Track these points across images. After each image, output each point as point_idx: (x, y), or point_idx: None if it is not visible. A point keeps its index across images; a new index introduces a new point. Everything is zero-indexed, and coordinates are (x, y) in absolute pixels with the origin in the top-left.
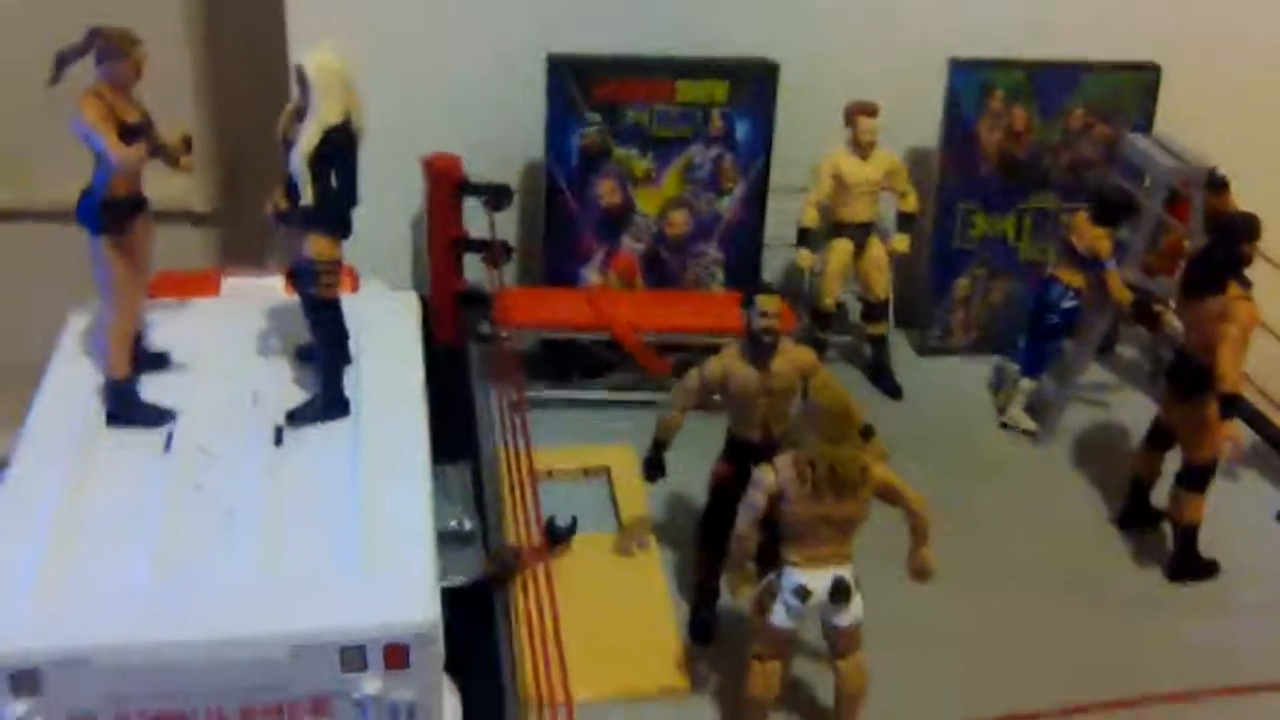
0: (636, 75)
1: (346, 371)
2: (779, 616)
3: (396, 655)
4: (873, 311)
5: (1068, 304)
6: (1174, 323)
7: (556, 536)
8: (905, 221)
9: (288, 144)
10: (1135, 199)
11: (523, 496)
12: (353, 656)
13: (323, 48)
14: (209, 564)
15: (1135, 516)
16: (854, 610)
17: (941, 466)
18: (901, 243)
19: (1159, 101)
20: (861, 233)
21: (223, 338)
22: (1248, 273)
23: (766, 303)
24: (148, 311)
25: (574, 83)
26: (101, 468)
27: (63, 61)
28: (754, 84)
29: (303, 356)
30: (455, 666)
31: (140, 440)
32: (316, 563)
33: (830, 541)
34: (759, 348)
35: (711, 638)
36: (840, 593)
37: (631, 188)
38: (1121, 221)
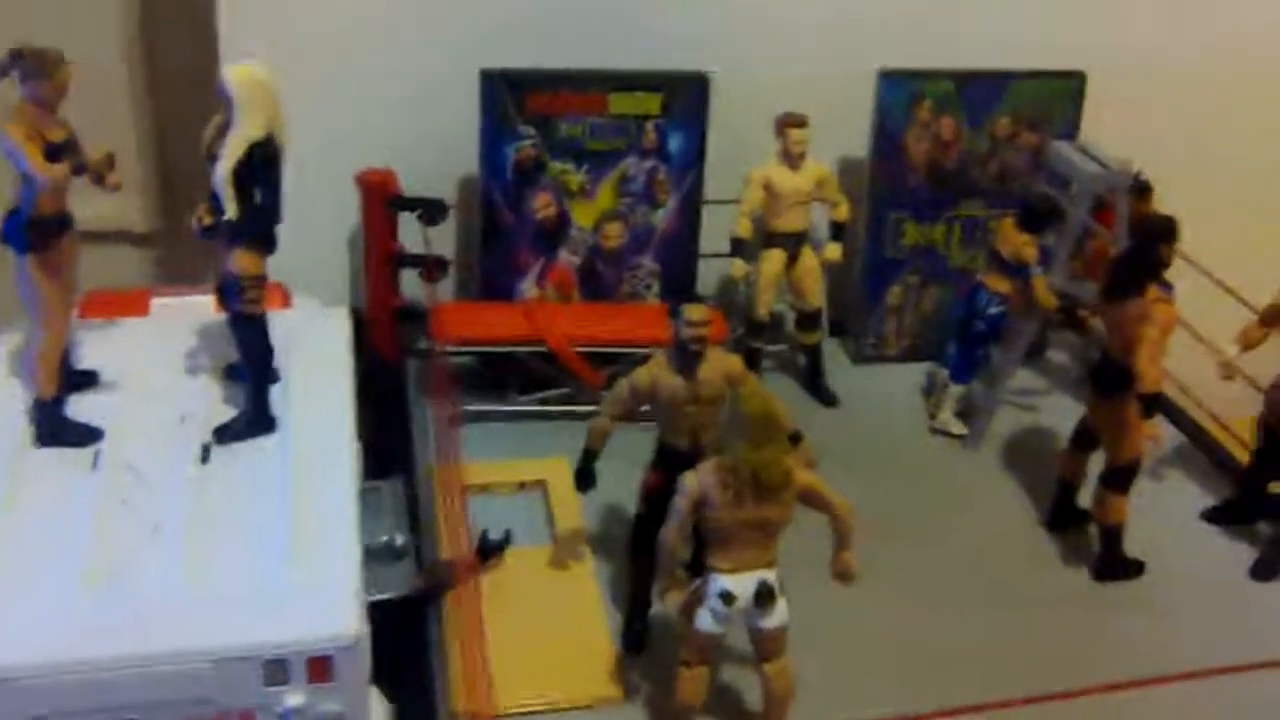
0: (569, 89)
1: (274, 388)
2: (704, 622)
3: (320, 668)
4: (807, 320)
5: (994, 310)
6: (1099, 327)
7: (489, 550)
8: (837, 231)
9: (212, 159)
10: (1059, 205)
11: (455, 511)
12: (276, 670)
13: (246, 62)
14: (133, 580)
15: (1063, 518)
16: (779, 614)
17: (875, 472)
18: (834, 252)
19: (1084, 109)
20: (794, 243)
21: (151, 356)
22: (1173, 277)
23: (693, 312)
24: (76, 331)
25: (507, 97)
26: (28, 486)
27: None
28: (686, 96)
29: (231, 374)
30: (388, 679)
31: (68, 458)
32: (241, 577)
33: (754, 546)
34: (686, 357)
35: (644, 647)
36: (764, 597)
37: (567, 201)
38: (1046, 228)
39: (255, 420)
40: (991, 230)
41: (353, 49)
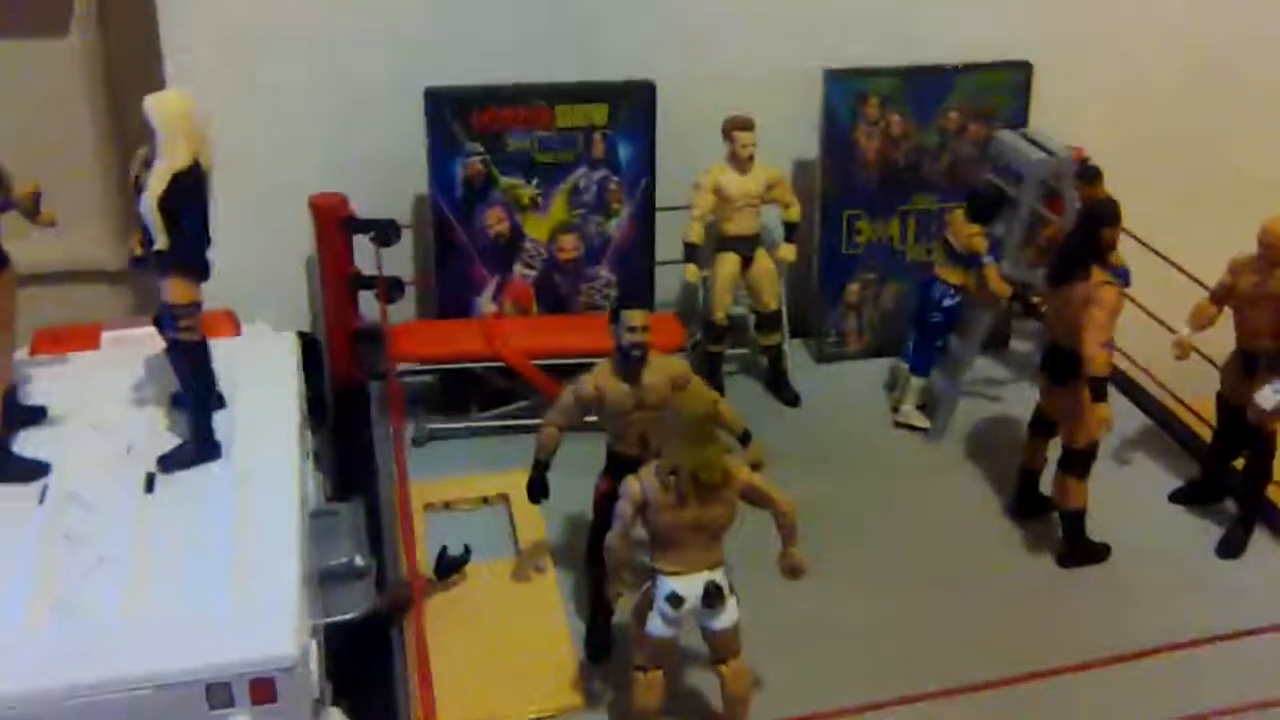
0: (515, 103)
1: (220, 414)
2: (655, 625)
3: (263, 690)
4: (765, 322)
5: (949, 302)
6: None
7: (448, 566)
8: (790, 232)
9: (139, 189)
10: (1005, 194)
11: (411, 531)
12: (219, 693)
13: (170, 92)
14: (76, 612)
15: (1026, 505)
16: (729, 614)
17: (840, 468)
18: (788, 252)
19: (1031, 99)
20: (747, 245)
21: (100, 389)
22: (1128, 259)
23: (633, 317)
24: (26, 367)
25: (453, 114)
26: None
27: None
28: (633, 105)
29: (177, 403)
30: (352, 699)
31: (15, 494)
32: (184, 603)
33: (699, 547)
34: (629, 362)
35: (608, 654)
36: (712, 597)
37: (519, 215)
38: (994, 217)
39: (199, 448)
40: (945, 223)
41: (300, 75)
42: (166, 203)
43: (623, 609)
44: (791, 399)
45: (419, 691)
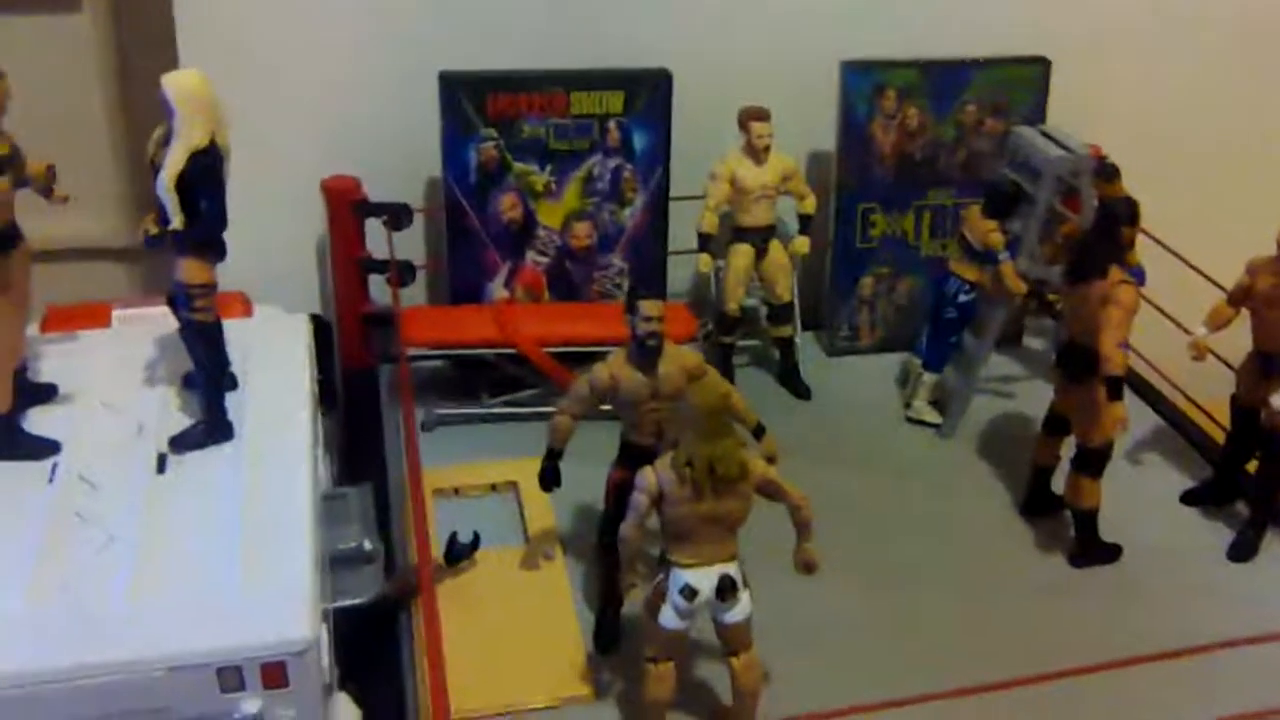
0: (530, 89)
1: (232, 395)
2: (668, 618)
3: (274, 674)
4: (777, 314)
5: (964, 298)
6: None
7: (458, 553)
8: (805, 223)
9: (156, 168)
10: (1022, 190)
11: (422, 516)
12: (230, 676)
13: (187, 71)
14: (87, 592)
15: (1038, 503)
16: (742, 607)
17: (851, 463)
18: (802, 245)
19: (1050, 95)
20: (762, 237)
21: (111, 368)
22: (1143, 260)
23: (649, 307)
24: (37, 345)
25: (468, 99)
26: None
27: None
28: (649, 93)
29: (189, 384)
30: (361, 684)
31: (26, 472)
32: (195, 585)
33: (714, 540)
34: (645, 352)
35: (617, 645)
36: (726, 590)
37: (532, 202)
38: (1011, 213)
39: (211, 429)
40: (960, 218)
41: (313, 56)
42: (183, 182)
43: (632, 600)
44: (803, 392)
45: (429, 677)
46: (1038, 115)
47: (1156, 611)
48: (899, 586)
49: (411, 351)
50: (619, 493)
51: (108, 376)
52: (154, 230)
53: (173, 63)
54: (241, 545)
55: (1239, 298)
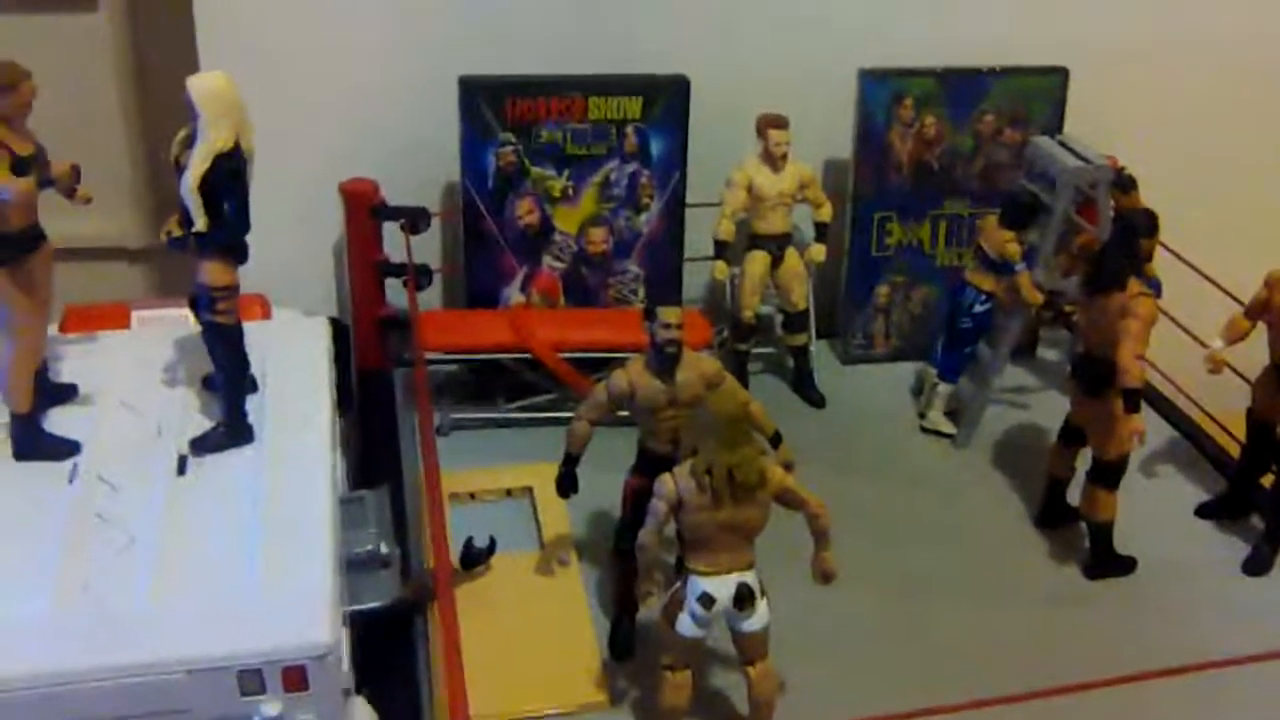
0: (548, 94)
1: (252, 398)
2: (685, 625)
3: (295, 677)
4: (793, 322)
5: (979, 308)
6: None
7: (473, 557)
8: (821, 231)
9: (180, 170)
10: (1041, 201)
11: (438, 520)
12: (251, 679)
13: (212, 73)
14: (108, 592)
15: (1053, 515)
16: (759, 616)
17: (865, 472)
18: (819, 253)
19: (1068, 105)
20: (778, 244)
21: (130, 369)
22: (1159, 272)
23: (668, 315)
24: (56, 345)
25: (486, 104)
26: (4, 500)
27: None
28: (666, 99)
29: (209, 386)
30: (375, 689)
31: (45, 472)
32: (215, 588)
33: (732, 548)
34: (663, 359)
35: (632, 652)
36: (744, 599)
37: (549, 207)
38: (1029, 224)
39: (232, 431)
40: (977, 228)
41: (332, 59)
42: (207, 184)
43: (649, 608)
44: (817, 400)
45: (448, 681)
46: (1055, 125)
47: (1169, 625)
48: (912, 596)
49: (427, 355)
50: (636, 499)
51: (127, 377)
52: (177, 232)
53: (190, 63)
54: (262, 548)
55: (1256, 311)
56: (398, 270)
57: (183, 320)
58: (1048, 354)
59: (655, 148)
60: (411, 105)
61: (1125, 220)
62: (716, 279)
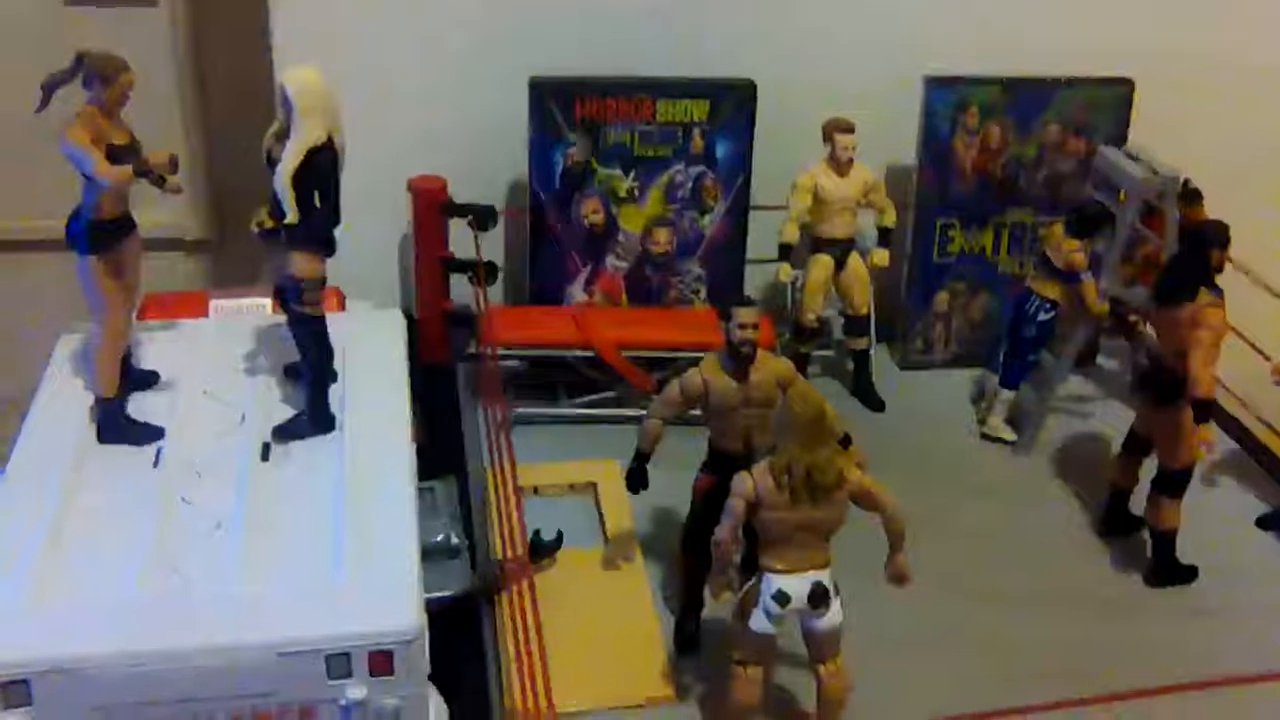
0: (617, 95)
1: (332, 388)
2: (759, 622)
3: (381, 662)
4: (854, 326)
5: (1043, 317)
6: (1150, 332)
7: (541, 550)
8: (884, 236)
9: (272, 163)
10: (1109, 211)
11: (508, 512)
12: (339, 663)
13: (305, 68)
14: (197, 574)
15: (1115, 524)
16: (833, 615)
17: (924, 478)
18: (881, 257)
19: (1133, 116)
20: (841, 248)
21: (211, 357)
22: (1222, 283)
23: (745, 315)
24: (137, 332)
25: (556, 104)
26: (92, 483)
27: (50, 88)
28: (733, 103)
29: (290, 374)
30: (442, 678)
31: (130, 456)
32: (302, 573)
33: (808, 547)
34: (738, 359)
35: (696, 648)
36: (818, 597)
37: (614, 207)
38: (1096, 234)
39: (314, 420)
40: (1040, 237)
41: (405, 58)
42: (299, 177)
43: (721, 604)
44: (876, 404)
45: (529, 672)
46: (1119, 136)
47: (1230, 635)
48: (973, 600)
49: (491, 351)
50: (706, 498)
51: (208, 366)
52: (268, 223)
53: (251, 57)
54: (348, 534)
55: None
56: (463, 266)
57: (258, 309)
58: (1108, 363)
59: (721, 150)
60: (481, 104)
61: (1199, 232)
62: (781, 281)
